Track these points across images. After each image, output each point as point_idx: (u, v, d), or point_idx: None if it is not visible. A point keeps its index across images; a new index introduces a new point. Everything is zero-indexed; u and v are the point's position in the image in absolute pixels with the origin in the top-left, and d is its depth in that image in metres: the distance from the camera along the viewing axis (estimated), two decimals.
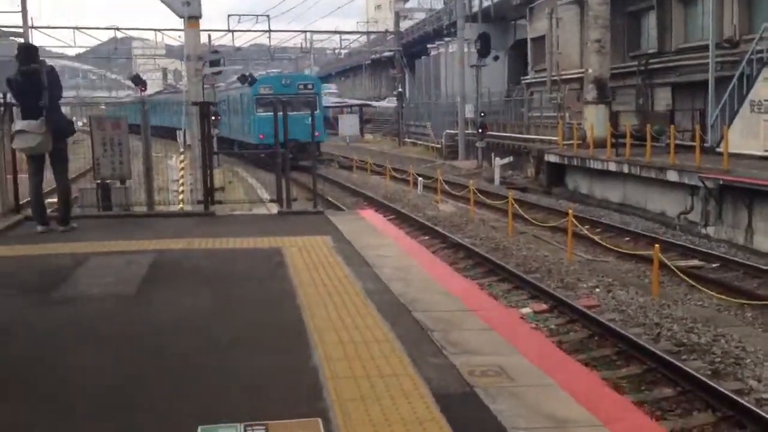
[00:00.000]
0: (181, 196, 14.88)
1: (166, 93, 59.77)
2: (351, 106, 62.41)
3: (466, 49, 37.81)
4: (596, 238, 15.26)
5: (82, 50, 74.32)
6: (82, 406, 3.86)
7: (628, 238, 16.58)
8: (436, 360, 4.46)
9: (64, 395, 3.99)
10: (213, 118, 34.91)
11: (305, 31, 58.13)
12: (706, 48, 23.27)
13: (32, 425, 3.61)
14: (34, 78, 8.62)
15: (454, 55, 42.84)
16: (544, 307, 10.69)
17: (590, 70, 27.54)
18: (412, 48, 58.69)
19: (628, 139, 22.31)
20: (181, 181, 15.34)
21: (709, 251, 14.75)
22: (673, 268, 11.79)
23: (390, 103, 57.27)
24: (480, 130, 33.36)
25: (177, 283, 6.39)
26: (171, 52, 79.87)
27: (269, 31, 48.35)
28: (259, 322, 5.26)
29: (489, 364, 4.36)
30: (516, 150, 31.00)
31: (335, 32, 63.30)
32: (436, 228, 17.07)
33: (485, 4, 43.01)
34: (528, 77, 40.03)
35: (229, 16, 53.20)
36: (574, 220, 14.36)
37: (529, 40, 40.86)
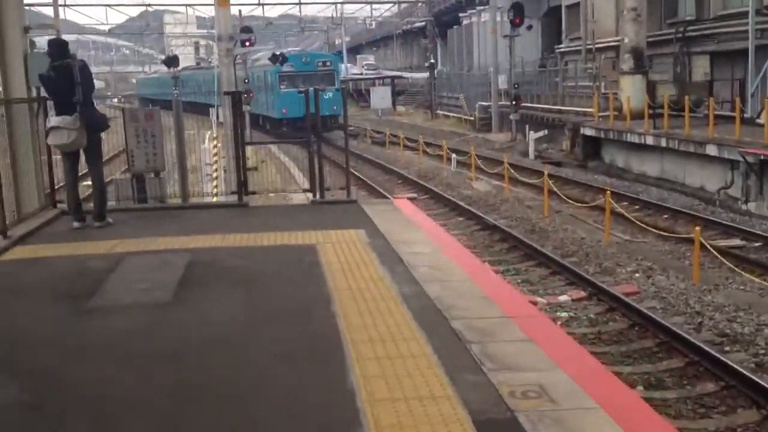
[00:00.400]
0: (215, 184, 14.88)
1: (193, 69, 59.82)
2: (383, 78, 61.97)
3: (498, 18, 37.28)
4: (634, 217, 15.01)
5: (113, 26, 74.52)
6: None
7: (666, 216, 16.30)
8: (475, 378, 4.37)
9: (92, 425, 3.97)
10: (245, 95, 35.14)
11: (336, 2, 57.63)
12: (745, 15, 22.66)
13: None
14: (66, 73, 8.61)
15: (487, 24, 42.33)
16: (583, 294, 10.55)
17: (626, 40, 27.00)
18: (444, 17, 58.02)
19: (666, 110, 21.87)
20: (214, 167, 15.33)
21: (751, 229, 14.44)
22: (714, 252, 11.54)
23: (422, 74, 56.77)
24: (514, 102, 32.95)
25: (211, 288, 6.35)
26: (202, 23, 79.96)
27: (300, 3, 47.93)
28: (296, 334, 5.19)
29: (529, 383, 4.26)
30: (550, 122, 30.60)
31: (366, 2, 62.83)
32: (471, 209, 16.91)
33: None
34: (562, 46, 39.41)
35: None
36: (611, 200, 14.13)
37: (563, 8, 40.17)
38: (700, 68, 27.40)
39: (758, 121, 19.72)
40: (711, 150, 18.67)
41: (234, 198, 10.62)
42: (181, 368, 4.70)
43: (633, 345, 8.85)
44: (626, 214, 14.81)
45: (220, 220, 9.34)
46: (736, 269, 11.34)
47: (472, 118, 40.83)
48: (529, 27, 36.13)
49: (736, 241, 13.72)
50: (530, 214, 16.69)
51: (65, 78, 8.58)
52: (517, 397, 4.08)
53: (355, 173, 22.93)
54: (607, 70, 31.37)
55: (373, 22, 74.46)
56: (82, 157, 9.04)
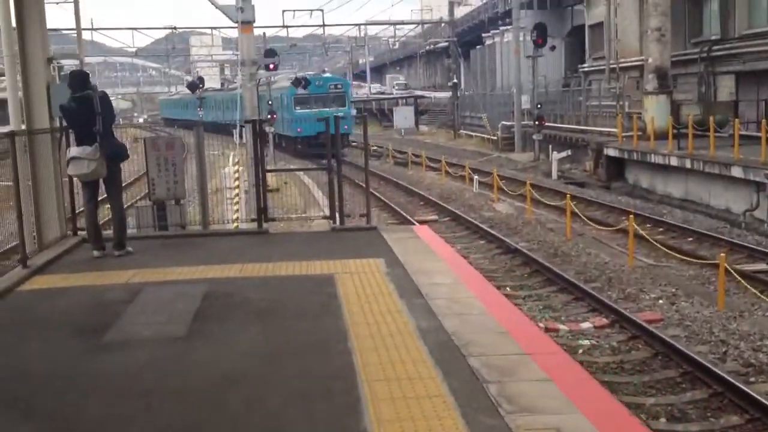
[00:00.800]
0: (236, 208, 14.92)
1: (216, 90, 61.18)
2: (406, 97, 62.11)
3: (521, 38, 37.25)
4: (658, 240, 14.82)
5: (140, 48, 75.43)
6: None
7: (691, 239, 16.09)
8: (492, 421, 4.29)
9: None
10: (269, 116, 35.34)
11: (359, 24, 57.98)
12: None
13: None
14: (87, 104, 8.67)
15: (510, 44, 42.31)
16: (605, 321, 10.39)
17: (650, 60, 26.84)
18: (467, 37, 58.14)
19: (690, 131, 21.66)
20: (236, 191, 15.38)
21: None
22: (738, 278, 11.35)
23: (445, 93, 56.82)
24: (537, 122, 32.84)
25: (227, 321, 6.33)
26: (228, 44, 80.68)
27: (323, 25, 48.35)
28: (310, 372, 5.13)
29: (548, 427, 4.17)
30: (574, 142, 30.43)
31: (389, 23, 63.18)
32: (492, 231, 16.81)
33: None
34: (586, 65, 39.29)
35: (283, 11, 53.42)
36: (634, 224, 13.96)
37: (586, 27, 40.09)
38: (725, 88, 27.16)
39: None
40: (736, 172, 18.44)
41: (254, 225, 10.63)
42: (192, 408, 4.67)
43: (656, 375, 8.68)
44: (649, 238, 14.62)
45: (239, 249, 9.34)
46: (761, 295, 11.14)
47: (495, 138, 40.75)
48: (553, 48, 36.01)
49: (762, 266, 13.49)
50: (552, 237, 16.55)
51: (86, 109, 8.64)
52: None
53: (377, 194, 22.97)
54: (630, 90, 31.21)
55: (397, 42, 74.76)
56: (102, 186, 9.09)
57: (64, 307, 6.92)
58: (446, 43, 56.94)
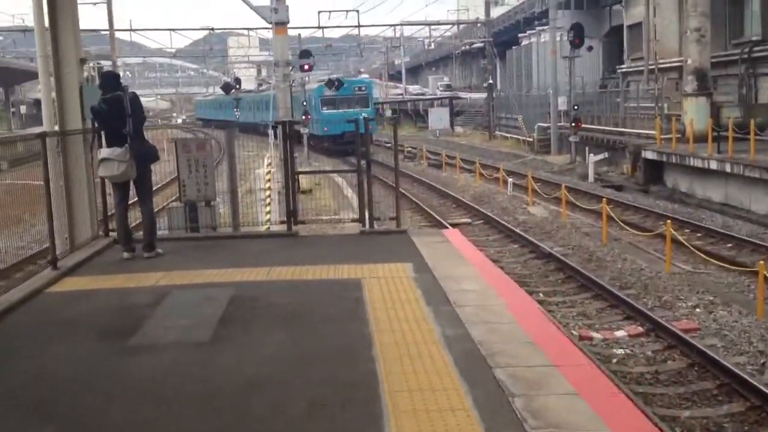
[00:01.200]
0: (267, 210, 14.90)
1: (250, 91, 62.31)
2: (441, 98, 61.87)
3: (558, 38, 36.86)
4: (697, 246, 14.50)
5: (178, 49, 76.23)
6: None
7: (730, 245, 15.73)
8: None
9: None
10: (303, 117, 35.48)
11: (394, 25, 57.89)
12: None
13: None
14: (117, 105, 8.69)
15: (546, 45, 41.93)
16: (640, 330, 10.17)
17: (689, 61, 26.36)
18: (503, 37, 57.71)
19: (731, 134, 21.22)
20: (267, 193, 15.37)
21: None
22: None
23: (481, 94, 56.47)
24: (573, 124, 32.42)
25: (253, 325, 6.27)
26: (265, 45, 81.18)
27: (359, 26, 48.37)
28: (333, 380, 5.04)
29: None
30: (611, 144, 30.02)
31: (425, 23, 63.00)
32: (526, 235, 16.59)
33: None
34: (624, 66, 38.79)
35: (319, 12, 53.57)
36: (672, 230, 13.67)
37: (625, 27, 39.59)
38: (767, 90, 26.59)
39: None
40: None
41: (285, 227, 10.59)
42: (215, 413, 4.62)
43: (692, 386, 8.45)
44: (686, 244, 14.31)
45: (268, 251, 9.30)
46: None
47: (530, 140, 40.39)
48: (590, 48, 35.50)
49: None
50: (588, 241, 16.29)
51: (116, 110, 8.66)
52: None
53: (409, 195, 22.86)
54: (669, 91, 30.69)
55: (432, 43, 74.58)
56: (133, 188, 9.11)
57: (92, 310, 6.91)
58: (482, 44, 56.57)
